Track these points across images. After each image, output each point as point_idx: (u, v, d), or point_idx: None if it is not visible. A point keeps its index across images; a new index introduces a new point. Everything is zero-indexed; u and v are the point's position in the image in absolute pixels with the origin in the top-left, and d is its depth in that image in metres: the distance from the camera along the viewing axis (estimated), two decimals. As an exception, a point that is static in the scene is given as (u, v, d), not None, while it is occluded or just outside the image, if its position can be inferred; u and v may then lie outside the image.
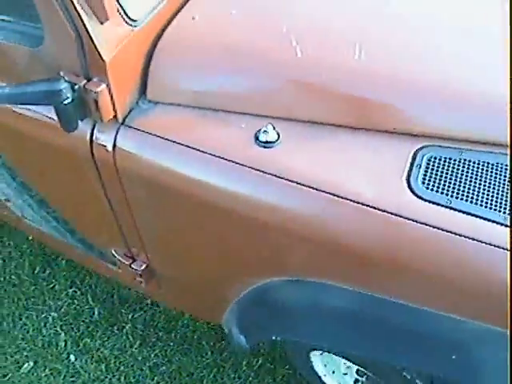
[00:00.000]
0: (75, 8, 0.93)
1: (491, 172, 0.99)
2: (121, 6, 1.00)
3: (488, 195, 0.95)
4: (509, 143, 0.99)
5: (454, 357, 1.01)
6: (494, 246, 0.89)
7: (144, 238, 1.37)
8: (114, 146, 1.12)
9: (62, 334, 2.02)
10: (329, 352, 1.38)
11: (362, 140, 1.03)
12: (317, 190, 0.97)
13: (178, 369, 1.92)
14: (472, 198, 0.95)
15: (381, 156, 1.01)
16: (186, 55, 1.12)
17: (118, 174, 1.16)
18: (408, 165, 0.99)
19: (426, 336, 1.05)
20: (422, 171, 0.98)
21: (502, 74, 1.03)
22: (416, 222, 0.93)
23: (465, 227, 0.92)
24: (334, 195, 0.97)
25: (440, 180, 0.97)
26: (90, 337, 2.02)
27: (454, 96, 1.04)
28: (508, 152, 1.00)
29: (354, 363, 1.41)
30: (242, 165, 1.02)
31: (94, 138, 1.14)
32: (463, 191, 0.96)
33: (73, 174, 1.30)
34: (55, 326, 2.05)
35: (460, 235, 0.91)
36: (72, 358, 1.97)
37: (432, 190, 0.96)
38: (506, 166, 0.99)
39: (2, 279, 2.19)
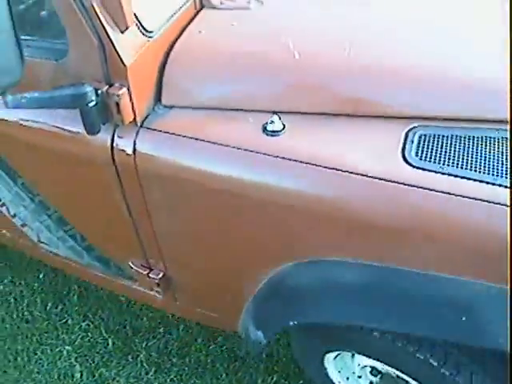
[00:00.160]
0: (99, 18, 1.06)
1: (478, 144, 1.10)
2: (137, 18, 1.13)
3: (476, 162, 1.06)
4: (508, 119, 1.10)
5: (463, 318, 1.08)
6: (489, 202, 0.99)
7: (162, 244, 1.44)
8: (134, 149, 1.22)
9: (77, 366, 2.04)
10: (344, 346, 1.43)
11: (359, 124, 1.15)
12: (321, 166, 1.08)
13: (194, 392, 1.93)
14: (462, 164, 1.05)
15: (377, 136, 1.12)
16: (195, 65, 1.26)
17: (138, 176, 1.26)
18: (402, 141, 1.10)
19: (436, 301, 1.11)
20: (414, 146, 1.09)
21: (482, 59, 1.18)
22: (414, 186, 1.03)
23: (459, 188, 1.01)
24: (337, 170, 1.07)
25: (431, 152, 1.08)
26: (105, 367, 2.04)
27: (440, 82, 1.16)
28: (491, 126, 1.12)
29: (370, 358, 1.44)
30: (255, 152, 1.13)
31: (114, 144, 1.24)
32: (453, 160, 1.07)
33: (92, 184, 1.39)
34: (70, 359, 2.07)
35: (455, 195, 1.00)
36: (88, 388, 1.98)
37: (425, 160, 1.07)
38: (491, 138, 1.10)
39: (15, 316, 2.22)
